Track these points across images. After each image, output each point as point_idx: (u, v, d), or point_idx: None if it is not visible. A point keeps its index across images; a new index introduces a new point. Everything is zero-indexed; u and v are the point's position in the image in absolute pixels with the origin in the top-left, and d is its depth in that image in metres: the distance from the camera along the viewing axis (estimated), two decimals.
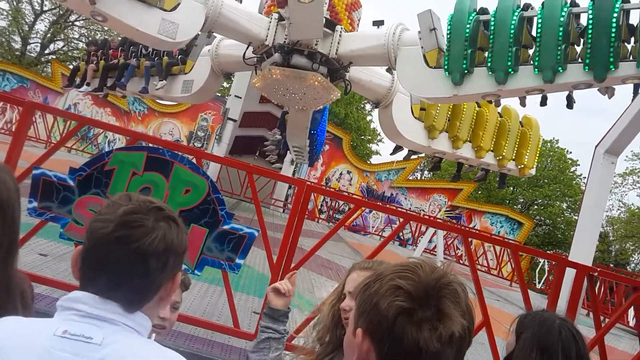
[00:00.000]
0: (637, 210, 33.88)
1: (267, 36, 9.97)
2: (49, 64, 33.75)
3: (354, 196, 23.13)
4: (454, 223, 23.37)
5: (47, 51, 36.85)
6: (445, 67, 8.06)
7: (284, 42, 9.85)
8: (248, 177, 5.19)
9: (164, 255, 1.23)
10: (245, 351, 5.14)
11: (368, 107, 36.99)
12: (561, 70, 7.22)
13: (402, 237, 21.95)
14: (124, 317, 1.19)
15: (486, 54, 7.98)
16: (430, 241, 21.02)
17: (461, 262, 20.36)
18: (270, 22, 10.05)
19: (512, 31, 7.55)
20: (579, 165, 36.57)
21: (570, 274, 5.48)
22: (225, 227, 4.99)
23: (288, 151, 15.48)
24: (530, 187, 35.34)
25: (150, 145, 5.10)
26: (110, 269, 1.21)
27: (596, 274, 5.40)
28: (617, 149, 6.24)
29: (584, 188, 29.82)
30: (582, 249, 5.93)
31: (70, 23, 36.37)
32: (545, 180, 35.56)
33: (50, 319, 1.21)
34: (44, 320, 1.20)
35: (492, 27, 7.74)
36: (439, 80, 8.23)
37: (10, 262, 1.43)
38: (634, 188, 33.06)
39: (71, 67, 23.74)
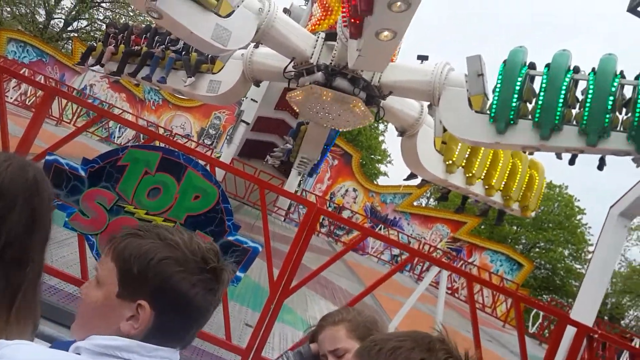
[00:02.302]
0: (638, 267, 33.59)
1: (312, 54, 10.13)
2: (70, 41, 33.90)
3: (360, 220, 23.10)
4: (454, 255, 23.24)
5: (69, 28, 37.03)
6: (492, 114, 8.27)
7: (330, 63, 9.97)
8: (260, 193, 5.13)
9: None
10: None
11: (381, 127, 36.97)
12: (606, 137, 7.51)
13: (399, 262, 21.82)
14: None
15: (530, 107, 8.22)
16: (427, 270, 20.92)
17: (456, 295, 20.27)
18: (317, 40, 10.21)
19: (563, 92, 7.81)
20: (585, 214, 36.38)
21: (570, 331, 5.39)
22: (230, 238, 4.92)
23: (290, 159, 15.40)
24: (535, 229, 35.12)
25: (166, 146, 5.05)
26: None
27: (596, 335, 5.30)
28: (633, 212, 6.20)
29: (588, 238, 29.52)
30: (585, 308, 5.84)
31: (97, 3, 36.57)
32: (550, 225, 35.34)
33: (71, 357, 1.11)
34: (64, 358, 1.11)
35: (544, 85, 7.99)
36: (482, 126, 8.45)
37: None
38: (637, 244, 32.81)
39: None
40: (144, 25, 15.60)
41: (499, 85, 8.32)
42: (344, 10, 7.59)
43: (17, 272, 1.31)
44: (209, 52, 10.53)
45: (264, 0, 9.65)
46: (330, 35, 10.19)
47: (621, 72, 7.72)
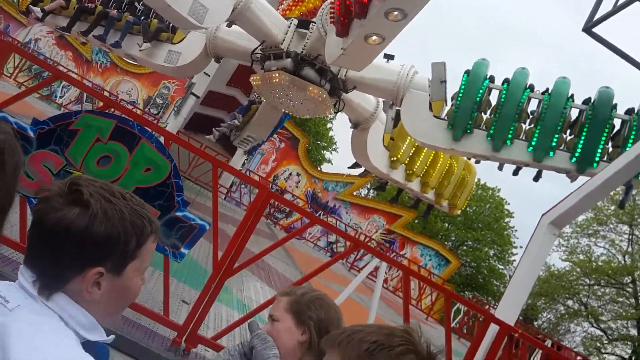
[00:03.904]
0: (556, 272, 35.53)
1: (283, 40, 10.06)
2: None
3: (299, 202, 23.27)
4: (387, 247, 23.87)
5: None
6: (451, 122, 8.65)
7: (302, 52, 9.94)
8: (212, 172, 5.15)
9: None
10: (167, 339, 5.10)
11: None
12: (551, 155, 8.11)
13: (335, 250, 22.20)
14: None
15: (485, 118, 8.66)
16: (360, 259, 21.42)
17: (384, 285, 20.86)
18: (289, 27, 10.16)
19: (519, 107, 8.33)
20: (513, 217, 38.03)
21: (492, 329, 5.74)
22: (178, 214, 4.93)
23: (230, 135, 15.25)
24: (465, 227, 36.43)
25: (122, 115, 4.98)
26: None
27: (517, 334, 5.68)
28: (562, 222, 6.60)
29: (513, 240, 30.86)
30: (509, 309, 6.23)
31: None
32: (479, 225, 36.75)
33: (6, 282, 1.23)
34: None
35: (503, 99, 8.44)
36: (440, 131, 8.81)
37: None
38: (558, 250, 34.69)
39: None
40: None
41: (460, 95, 8.69)
42: (333, 6, 7.52)
43: None
44: (183, 28, 10.21)
45: None
46: (302, 23, 10.17)
47: (572, 95, 8.28)
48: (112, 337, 1.29)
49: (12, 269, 4.73)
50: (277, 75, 9.92)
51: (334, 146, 38.08)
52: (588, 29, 8.54)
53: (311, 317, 2.02)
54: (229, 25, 10.47)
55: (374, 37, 6.83)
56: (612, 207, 31.83)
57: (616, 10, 8.41)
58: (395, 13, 6.12)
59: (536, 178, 8.99)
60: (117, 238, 1.21)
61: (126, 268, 1.25)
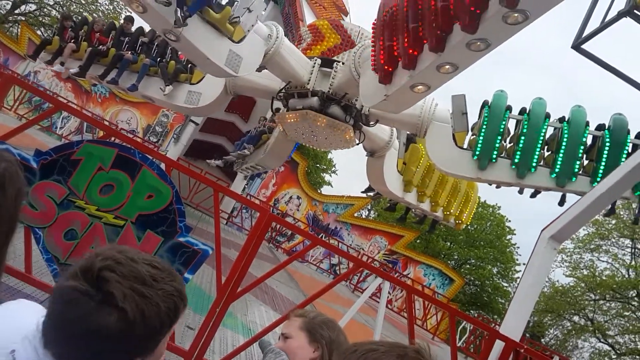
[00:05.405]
0: (560, 288, 35.31)
1: (309, 80, 10.34)
2: (17, 24, 32.50)
3: (301, 225, 23.26)
4: (390, 267, 23.80)
5: (17, 11, 35.50)
6: (477, 152, 9.01)
7: (328, 91, 10.21)
8: (214, 196, 5.20)
9: None
10: None
11: None
12: (573, 180, 8.55)
13: (338, 272, 22.12)
14: None
15: (506, 147, 9.07)
16: (363, 281, 21.34)
17: (389, 306, 20.76)
18: (313, 67, 10.43)
19: (541, 138, 8.78)
20: (515, 234, 37.94)
21: (498, 345, 5.73)
22: (181, 239, 4.96)
23: (234, 163, 15.35)
24: (467, 245, 36.29)
25: (123, 143, 5.05)
26: None
27: (522, 350, 5.66)
28: (563, 236, 6.63)
29: (516, 257, 30.72)
30: (514, 325, 6.24)
31: None
32: (482, 243, 36.60)
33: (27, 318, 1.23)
34: (18, 321, 1.24)
35: (525, 130, 8.82)
36: (465, 161, 9.19)
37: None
38: (561, 266, 34.53)
39: (39, 32, 22.92)
40: (104, 21, 14.79)
41: (484, 126, 8.99)
42: (374, 53, 7.55)
43: None
44: (218, 77, 10.27)
45: (270, 25, 9.75)
46: (325, 62, 10.48)
47: (587, 123, 8.68)
48: None
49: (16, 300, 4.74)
50: (304, 114, 10.14)
51: (333, 168, 38.21)
52: (577, 45, 8.69)
53: (323, 335, 2.12)
54: (259, 70, 10.62)
55: (420, 87, 7.02)
56: (613, 221, 31.76)
57: (604, 26, 8.55)
58: (447, 67, 6.33)
59: (561, 202, 9.30)
60: (156, 332, 1.17)
61: (158, 345, 1.23)
